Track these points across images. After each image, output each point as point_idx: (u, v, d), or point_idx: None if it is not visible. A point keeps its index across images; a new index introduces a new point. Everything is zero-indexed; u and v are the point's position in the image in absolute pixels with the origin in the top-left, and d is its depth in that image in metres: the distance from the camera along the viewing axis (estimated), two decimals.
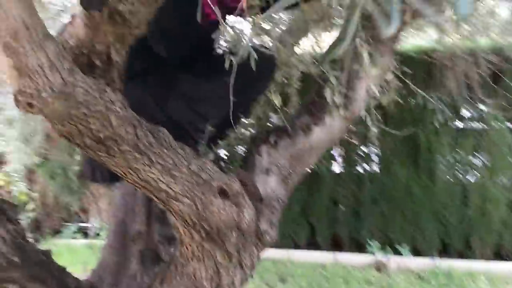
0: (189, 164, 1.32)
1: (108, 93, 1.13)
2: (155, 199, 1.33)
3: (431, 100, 1.52)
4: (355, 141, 4.54)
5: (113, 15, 1.03)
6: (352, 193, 4.57)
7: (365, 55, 1.25)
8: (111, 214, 2.24)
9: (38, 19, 0.93)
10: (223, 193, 1.38)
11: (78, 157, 4.21)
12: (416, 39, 3.94)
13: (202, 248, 1.42)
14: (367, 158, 4.59)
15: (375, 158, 4.59)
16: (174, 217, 1.38)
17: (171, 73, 1.47)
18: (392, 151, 4.42)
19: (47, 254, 1.69)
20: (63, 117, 1.05)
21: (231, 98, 1.33)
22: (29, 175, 4.98)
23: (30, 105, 0.95)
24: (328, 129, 1.71)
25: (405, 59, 3.77)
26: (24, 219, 5.06)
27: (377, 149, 4.57)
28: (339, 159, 4.64)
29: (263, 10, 1.48)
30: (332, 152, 4.56)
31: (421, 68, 4.10)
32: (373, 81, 1.70)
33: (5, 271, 1.51)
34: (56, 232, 5.25)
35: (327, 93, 1.49)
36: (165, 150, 1.27)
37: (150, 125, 1.26)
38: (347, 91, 1.66)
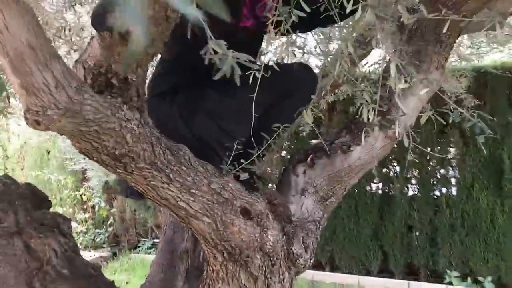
0: (209, 182, 1.30)
1: (124, 111, 1.15)
2: (176, 216, 1.32)
3: (471, 118, 1.37)
4: (431, 162, 4.28)
5: (124, 35, 1.06)
6: (428, 218, 4.28)
7: (392, 70, 1.16)
8: (161, 232, 2.29)
9: (44, 39, 0.97)
10: (246, 213, 1.34)
11: None
12: (497, 54, 3.67)
13: (226, 269, 1.39)
14: (444, 181, 4.29)
15: (453, 181, 4.28)
16: (196, 235, 1.36)
17: (199, 89, 1.47)
18: (472, 173, 4.10)
19: (96, 268, 1.76)
20: (74, 134, 1.08)
21: (253, 114, 1.30)
22: (109, 191, 5.27)
23: (37, 122, 0.99)
24: (369, 148, 1.62)
25: (483, 75, 3.54)
26: (104, 233, 5.35)
27: (455, 171, 4.28)
28: (413, 181, 4.38)
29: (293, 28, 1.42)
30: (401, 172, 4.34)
31: (503, 84, 3.80)
32: (420, 98, 1.59)
33: (54, 283, 1.58)
34: (134, 247, 5.47)
35: (364, 111, 1.41)
36: (184, 168, 1.27)
37: (169, 142, 1.27)
38: (389, 109, 1.56)
